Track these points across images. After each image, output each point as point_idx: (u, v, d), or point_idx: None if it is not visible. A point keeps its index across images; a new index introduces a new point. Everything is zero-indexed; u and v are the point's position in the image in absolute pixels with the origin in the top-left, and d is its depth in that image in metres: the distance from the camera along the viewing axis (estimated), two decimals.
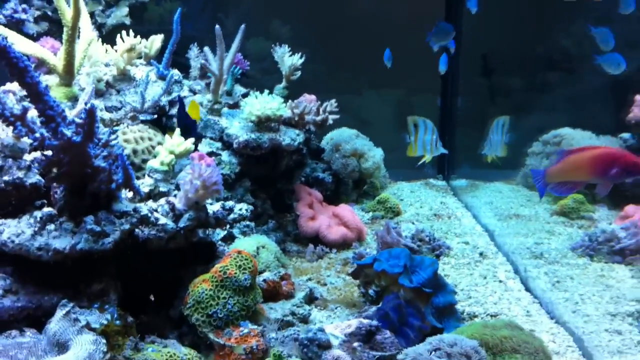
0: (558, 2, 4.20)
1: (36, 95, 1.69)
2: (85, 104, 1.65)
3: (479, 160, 4.12)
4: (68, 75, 2.41)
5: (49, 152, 1.78)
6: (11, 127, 1.77)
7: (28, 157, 2.07)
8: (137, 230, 1.93)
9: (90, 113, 1.65)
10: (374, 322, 1.88)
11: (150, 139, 2.62)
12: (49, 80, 2.58)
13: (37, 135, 1.75)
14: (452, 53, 3.68)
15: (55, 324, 1.67)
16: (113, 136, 1.88)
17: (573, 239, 2.96)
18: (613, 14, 3.44)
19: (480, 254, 2.80)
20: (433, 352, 1.63)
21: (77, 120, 1.68)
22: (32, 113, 1.79)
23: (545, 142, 3.79)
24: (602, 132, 3.68)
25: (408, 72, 4.19)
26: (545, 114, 4.38)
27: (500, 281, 2.54)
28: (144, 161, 2.55)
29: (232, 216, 2.16)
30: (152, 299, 2.16)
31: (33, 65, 2.66)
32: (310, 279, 2.56)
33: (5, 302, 1.81)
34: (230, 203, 2.14)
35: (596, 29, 3.25)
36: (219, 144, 2.81)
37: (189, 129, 2.29)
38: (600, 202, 3.43)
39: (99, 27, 3.19)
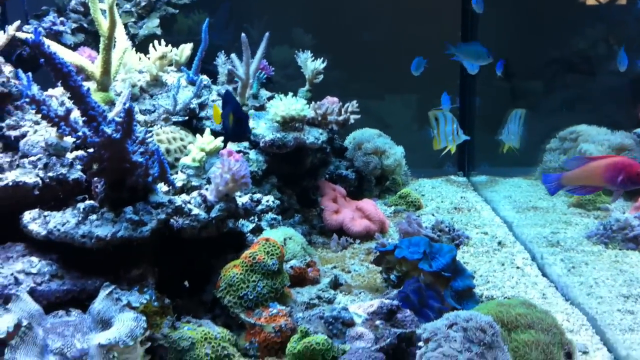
0: (573, 6, 4.30)
1: (79, 97, 1.85)
2: (124, 104, 1.80)
3: (498, 158, 4.23)
4: (105, 81, 2.58)
5: (91, 150, 1.93)
6: (55, 128, 1.94)
7: (70, 155, 2.24)
8: (172, 220, 2.07)
9: (129, 112, 1.80)
10: (395, 302, 2.00)
11: (182, 140, 2.77)
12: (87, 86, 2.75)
13: (80, 133, 1.90)
14: (498, 75, 3.72)
15: (99, 303, 1.82)
16: (149, 134, 2.03)
17: (589, 228, 3.04)
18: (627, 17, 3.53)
19: (499, 243, 2.91)
20: (450, 327, 1.74)
21: (117, 119, 1.83)
22: (75, 114, 1.95)
23: (562, 139, 3.88)
24: (617, 129, 3.76)
25: (428, 77, 4.31)
26: (563, 114, 4.46)
27: (518, 267, 2.64)
28: (177, 160, 2.70)
29: (259, 207, 2.30)
30: (187, 284, 2.30)
31: None
32: (335, 267, 2.68)
33: (52, 285, 1.96)
34: (258, 195, 2.28)
35: None
36: (246, 143, 2.95)
37: (242, 122, 2.37)
38: None
39: (131, 37, 3.36)
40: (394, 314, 1.97)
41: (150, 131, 2.06)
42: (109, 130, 1.86)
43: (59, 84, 1.88)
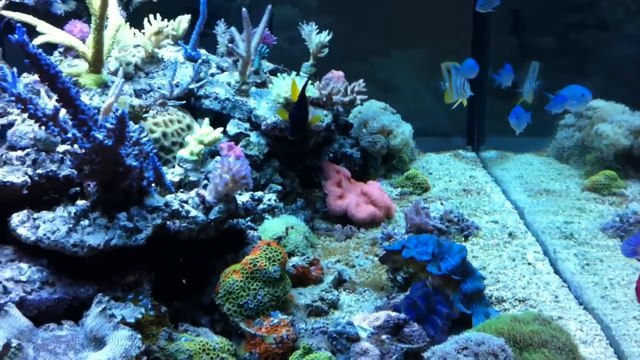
0: None
1: (67, 100, 1.71)
2: (117, 109, 1.67)
3: (510, 129, 4.08)
4: (97, 62, 2.43)
5: (82, 151, 1.81)
6: (43, 127, 1.81)
7: (61, 148, 2.12)
8: (168, 222, 1.97)
9: (121, 119, 1.67)
10: (402, 315, 1.91)
11: (179, 122, 2.64)
12: (78, 65, 2.60)
13: (70, 135, 1.78)
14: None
15: (92, 320, 1.73)
16: (143, 134, 1.91)
17: (604, 216, 2.94)
18: None
19: (510, 234, 2.80)
20: (460, 351, 1.66)
21: (108, 125, 1.70)
22: (64, 112, 1.82)
23: (577, 115, 3.72)
24: (632, 101, 3.60)
25: (436, 33, 4.15)
26: (577, 79, 4.27)
27: (529, 263, 2.55)
28: (174, 144, 2.58)
29: (261, 206, 2.19)
30: (185, 283, 2.22)
31: (62, 49, 2.70)
32: (339, 261, 2.59)
33: (43, 294, 1.86)
34: (259, 193, 2.16)
35: None
36: (247, 125, 2.82)
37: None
38: (633, 178, 3.40)
39: (126, 4, 3.18)
40: (400, 328, 1.88)
41: (143, 130, 1.92)
42: (100, 136, 1.73)
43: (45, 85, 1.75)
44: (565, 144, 3.72)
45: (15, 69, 1.91)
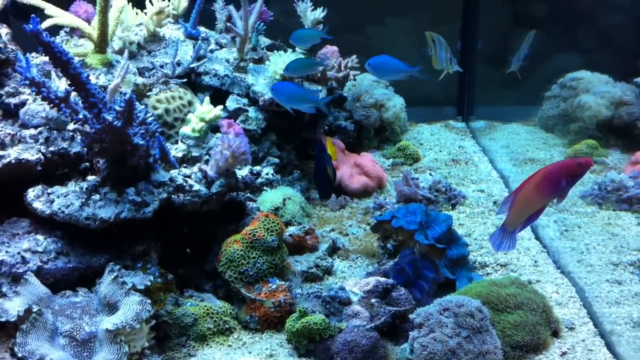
0: None
1: (79, 84, 1.84)
2: (125, 94, 1.80)
3: (498, 98, 4.19)
4: (102, 43, 2.55)
5: (92, 130, 1.94)
6: (56, 109, 1.95)
7: (71, 127, 2.25)
8: (173, 196, 2.11)
9: (129, 102, 1.81)
10: (390, 280, 2.07)
11: (180, 98, 2.76)
12: (84, 45, 2.72)
13: (81, 116, 1.92)
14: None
15: (105, 287, 1.89)
16: (149, 114, 2.04)
17: (584, 184, 3.08)
18: None
19: (494, 202, 2.95)
20: (442, 312, 1.82)
21: (117, 107, 1.84)
22: (74, 94, 1.95)
23: (562, 85, 3.84)
24: (617, 73, 3.71)
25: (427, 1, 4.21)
26: (568, 48, 4.33)
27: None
28: (176, 119, 2.71)
29: (259, 180, 2.33)
30: (189, 251, 2.37)
31: (68, 29, 2.81)
32: (333, 230, 2.75)
33: (58, 263, 2.02)
34: (257, 168, 2.31)
35: None
36: (245, 100, 2.94)
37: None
38: (614, 146, 3.53)
39: None
40: (389, 292, 2.05)
41: (148, 112, 2.05)
42: (110, 118, 1.87)
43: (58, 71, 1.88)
44: (550, 113, 3.84)
45: (28, 56, 2.05)
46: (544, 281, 2.32)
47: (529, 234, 2.67)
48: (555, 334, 2.01)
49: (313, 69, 2.99)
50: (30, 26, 1.76)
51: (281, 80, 2.90)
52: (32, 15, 1.79)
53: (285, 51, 2.99)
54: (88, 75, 1.88)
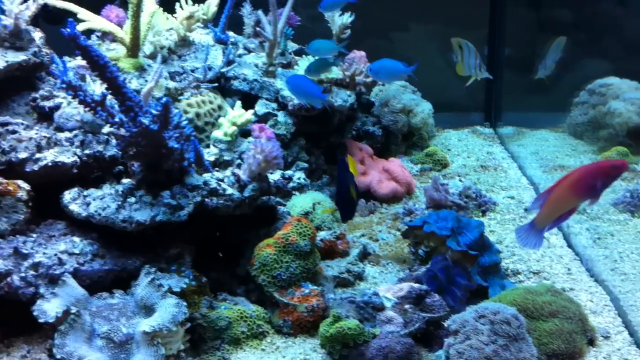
0: None
1: (116, 88, 1.86)
2: (160, 98, 1.82)
3: (526, 104, 4.15)
4: (135, 47, 2.58)
5: (128, 134, 1.96)
6: (92, 112, 1.96)
7: (106, 130, 2.27)
8: (207, 200, 2.12)
9: (166, 106, 1.82)
10: (424, 287, 2.06)
11: (211, 102, 2.78)
12: (116, 49, 2.74)
13: (117, 119, 1.93)
14: None
15: (142, 290, 1.90)
16: (183, 117, 2.05)
17: (615, 192, 3.04)
18: None
19: (525, 209, 2.94)
20: (478, 319, 1.81)
21: (154, 111, 1.85)
22: (110, 97, 1.97)
23: (591, 92, 3.80)
24: None
25: (454, 6, 4.19)
26: (594, 55, 4.29)
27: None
28: (206, 123, 2.72)
29: (291, 184, 2.34)
30: (221, 255, 2.38)
31: (100, 34, 2.83)
32: (363, 235, 2.74)
33: (94, 265, 2.03)
34: (289, 172, 2.32)
35: None
36: (274, 105, 2.96)
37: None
38: None
39: None
40: (422, 298, 2.04)
41: (182, 115, 2.06)
42: (146, 121, 1.88)
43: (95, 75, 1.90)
44: (579, 120, 3.81)
45: (65, 59, 2.07)
46: (578, 289, 2.30)
47: (562, 242, 2.65)
48: (591, 342, 1.99)
49: (327, 69, 3.02)
50: (68, 30, 1.78)
51: None
52: (70, 19, 1.81)
53: (314, 56, 3.00)
54: (124, 79, 1.89)
